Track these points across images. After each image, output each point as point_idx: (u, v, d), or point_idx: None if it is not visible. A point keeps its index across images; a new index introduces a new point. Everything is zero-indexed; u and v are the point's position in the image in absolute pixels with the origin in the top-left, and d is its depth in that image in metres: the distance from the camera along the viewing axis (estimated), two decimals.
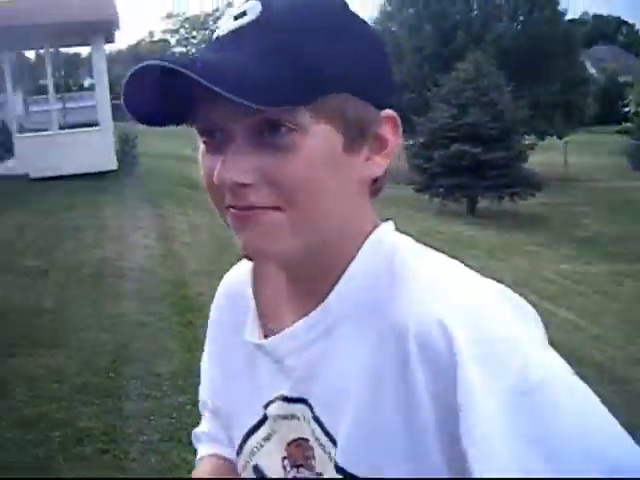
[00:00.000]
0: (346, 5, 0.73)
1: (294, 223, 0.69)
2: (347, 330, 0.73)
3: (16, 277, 6.73)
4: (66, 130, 13.65)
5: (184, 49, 57.05)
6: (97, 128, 13.48)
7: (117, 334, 5.26)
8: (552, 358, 0.64)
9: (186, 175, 13.56)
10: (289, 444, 0.79)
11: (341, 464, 0.71)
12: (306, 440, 0.77)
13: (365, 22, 0.74)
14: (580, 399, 0.62)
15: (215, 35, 0.71)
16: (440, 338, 0.63)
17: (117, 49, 54.58)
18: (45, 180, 12.21)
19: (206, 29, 55.13)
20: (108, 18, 13.66)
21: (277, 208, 0.68)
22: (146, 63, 0.65)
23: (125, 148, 13.98)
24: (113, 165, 13.13)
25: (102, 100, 13.70)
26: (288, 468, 0.80)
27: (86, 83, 39.25)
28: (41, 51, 16.58)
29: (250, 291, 0.86)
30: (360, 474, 0.69)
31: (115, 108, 13.44)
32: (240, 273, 0.91)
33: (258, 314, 0.84)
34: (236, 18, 0.69)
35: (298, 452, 0.78)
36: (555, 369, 0.63)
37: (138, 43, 61.76)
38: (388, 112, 0.73)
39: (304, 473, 0.78)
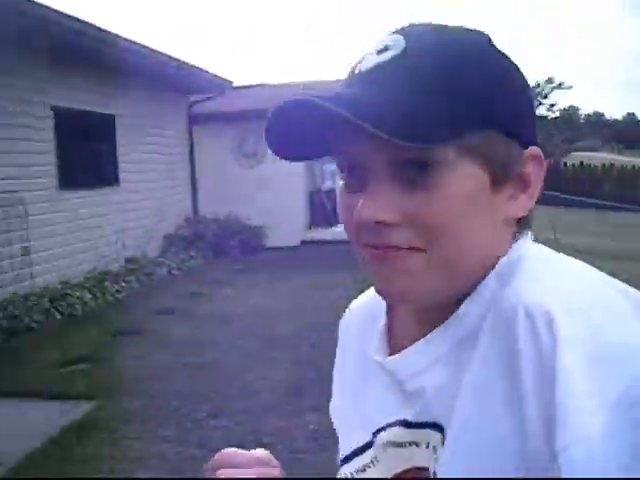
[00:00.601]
0: (491, 41, 0.71)
1: (434, 265, 0.67)
2: (467, 347, 0.68)
3: None
4: None
5: None
6: None
7: None
8: None
9: None
10: (400, 474, 0.74)
11: (439, 473, 0.66)
12: (423, 469, 0.71)
13: (510, 59, 0.71)
14: None
15: (357, 70, 0.69)
16: (543, 324, 0.59)
17: None
18: None
19: None
20: None
21: (417, 249, 0.67)
22: (292, 99, 0.65)
23: None
24: None
25: None
26: None
27: None
28: None
29: (384, 309, 0.84)
30: None
31: None
32: (369, 294, 0.90)
33: (388, 334, 0.82)
34: (379, 53, 0.68)
35: None
36: None
37: None
38: (533, 150, 0.71)
39: None
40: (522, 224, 0.74)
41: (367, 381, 0.82)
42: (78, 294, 8.81)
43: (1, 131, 8.15)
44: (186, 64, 12.10)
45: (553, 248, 0.74)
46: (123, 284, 9.88)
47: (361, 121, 0.60)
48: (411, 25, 0.70)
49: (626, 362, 0.56)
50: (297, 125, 0.68)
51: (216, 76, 13.57)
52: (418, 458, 0.71)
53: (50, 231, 9.08)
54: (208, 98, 14.05)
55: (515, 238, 0.73)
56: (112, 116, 10.74)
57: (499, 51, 0.71)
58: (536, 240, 0.75)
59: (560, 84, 50.32)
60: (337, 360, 0.94)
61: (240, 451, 0.77)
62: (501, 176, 0.68)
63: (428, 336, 0.73)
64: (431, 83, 0.64)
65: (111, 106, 10.46)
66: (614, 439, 0.53)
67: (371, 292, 0.88)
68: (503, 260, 0.70)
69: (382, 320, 0.84)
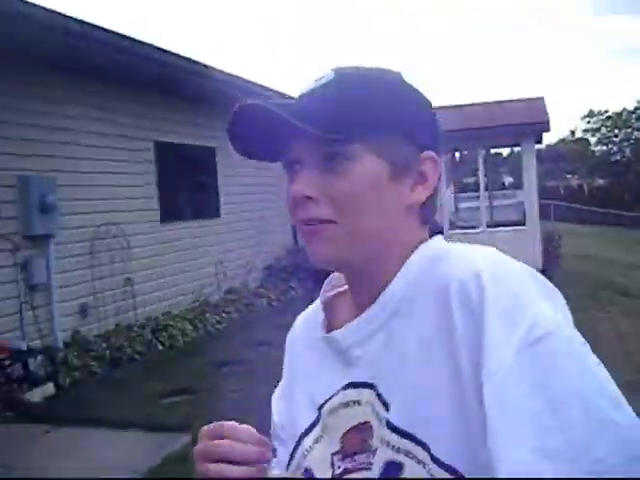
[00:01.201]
0: (402, 77, 0.94)
1: (344, 234, 0.86)
2: (401, 319, 0.86)
3: None
4: (494, 228, 13.95)
5: (604, 147, 55.56)
6: (524, 227, 13.54)
7: None
8: (561, 322, 0.76)
9: (609, 279, 12.83)
10: (346, 433, 0.88)
11: (393, 421, 0.81)
12: (366, 423, 0.86)
13: (415, 89, 0.94)
14: (579, 354, 0.74)
15: (300, 92, 0.91)
16: (474, 288, 0.77)
17: (537, 148, 55.28)
18: None
19: (628, 127, 52.98)
20: (542, 121, 13.88)
21: (333, 222, 0.86)
22: (238, 105, 0.87)
23: (549, 247, 13.81)
24: (539, 265, 13.01)
25: (531, 199, 13.80)
26: (337, 462, 0.88)
27: (506, 182, 40.27)
28: (464, 152, 17.52)
29: (321, 308, 1.02)
30: (409, 428, 0.79)
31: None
32: (313, 305, 1.08)
33: (326, 321, 0.99)
34: (316, 81, 0.90)
35: (356, 438, 0.87)
36: (562, 329, 0.74)
37: (558, 142, 61.75)
38: (428, 153, 0.91)
39: (357, 461, 0.85)
40: (425, 217, 0.93)
41: (318, 365, 0.98)
42: (179, 325, 8.88)
43: (106, 166, 8.38)
44: (284, 95, 12.19)
45: None
46: (223, 315, 9.92)
47: (297, 122, 0.82)
48: (342, 66, 0.93)
49: (527, 312, 0.74)
50: (252, 126, 0.89)
51: None
52: (361, 415, 0.87)
53: (152, 262, 9.23)
54: None
55: (421, 228, 0.93)
56: (213, 148, 10.90)
57: (407, 84, 0.93)
58: None
59: None
60: (284, 377, 1.10)
61: (243, 426, 0.88)
62: (401, 170, 0.88)
63: (364, 314, 0.90)
64: (348, 100, 0.87)
65: (212, 139, 10.60)
66: (520, 369, 0.71)
67: (312, 305, 1.08)
68: (428, 249, 0.90)
69: (322, 316, 1.01)
